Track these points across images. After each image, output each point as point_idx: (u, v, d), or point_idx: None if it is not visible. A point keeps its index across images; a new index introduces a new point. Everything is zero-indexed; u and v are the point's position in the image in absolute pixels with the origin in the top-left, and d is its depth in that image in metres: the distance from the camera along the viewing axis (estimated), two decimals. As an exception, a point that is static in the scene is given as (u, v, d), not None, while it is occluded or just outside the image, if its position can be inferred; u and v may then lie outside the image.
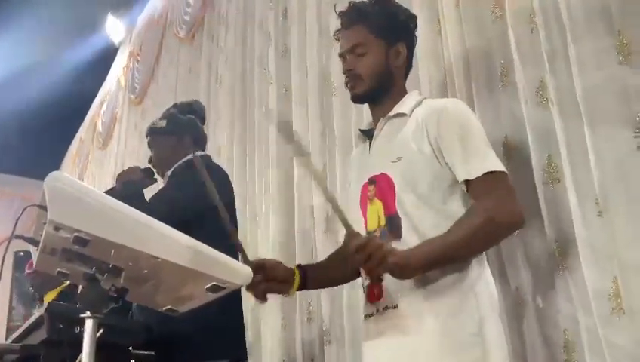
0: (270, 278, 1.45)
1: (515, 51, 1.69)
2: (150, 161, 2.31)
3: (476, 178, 1.31)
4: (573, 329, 1.46)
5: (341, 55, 1.55)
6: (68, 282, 3.27)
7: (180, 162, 2.20)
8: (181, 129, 2.26)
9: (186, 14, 4.68)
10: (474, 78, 1.82)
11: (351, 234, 1.23)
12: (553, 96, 1.56)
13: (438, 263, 1.29)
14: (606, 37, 1.43)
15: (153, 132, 2.31)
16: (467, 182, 1.33)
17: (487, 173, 1.31)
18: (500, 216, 1.29)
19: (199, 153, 2.25)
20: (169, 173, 2.22)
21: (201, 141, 2.34)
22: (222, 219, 1.36)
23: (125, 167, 5.67)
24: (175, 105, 2.39)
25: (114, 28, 6.65)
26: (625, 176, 1.36)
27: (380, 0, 1.58)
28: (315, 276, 1.56)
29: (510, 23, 1.72)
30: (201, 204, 2.00)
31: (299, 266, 1.55)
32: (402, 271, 1.24)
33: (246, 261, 1.40)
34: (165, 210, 1.87)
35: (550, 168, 1.56)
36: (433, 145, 1.36)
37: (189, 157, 2.18)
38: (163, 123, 2.27)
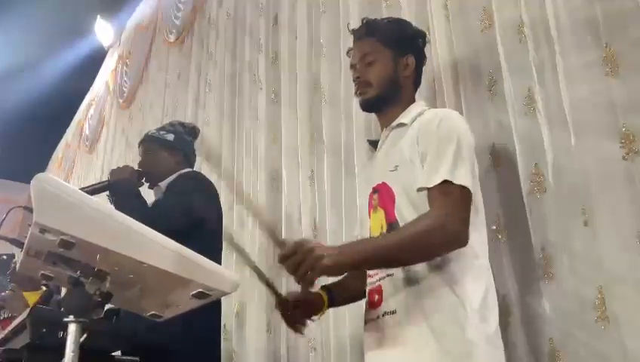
0: (303, 307, 1.51)
1: (504, 61, 1.71)
2: (140, 166, 2.33)
3: (434, 186, 1.31)
4: (558, 337, 1.46)
5: (352, 66, 1.59)
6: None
7: (176, 175, 2.28)
8: (184, 148, 2.38)
9: (176, 19, 4.67)
10: (462, 87, 1.84)
11: (277, 243, 1.26)
12: (541, 106, 1.58)
13: (371, 263, 1.34)
14: (593, 49, 1.45)
15: (157, 141, 2.36)
16: (428, 191, 1.32)
17: (446, 182, 1.29)
18: (441, 230, 1.26)
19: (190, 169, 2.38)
20: (164, 184, 2.27)
21: (193, 163, 2.45)
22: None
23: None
24: (182, 125, 2.47)
25: (103, 31, 6.61)
26: (610, 186, 1.37)
27: (393, 17, 1.68)
28: (340, 294, 1.59)
29: (499, 34, 1.74)
30: (202, 214, 2.10)
31: (323, 287, 1.57)
32: (334, 271, 1.27)
33: (280, 297, 1.47)
34: (174, 215, 2.00)
35: (537, 177, 1.57)
36: (420, 154, 1.38)
37: (185, 170, 2.31)
38: (170, 137, 2.36)
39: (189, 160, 2.40)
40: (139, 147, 2.41)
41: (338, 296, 1.58)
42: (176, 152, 2.34)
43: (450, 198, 1.29)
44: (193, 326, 1.79)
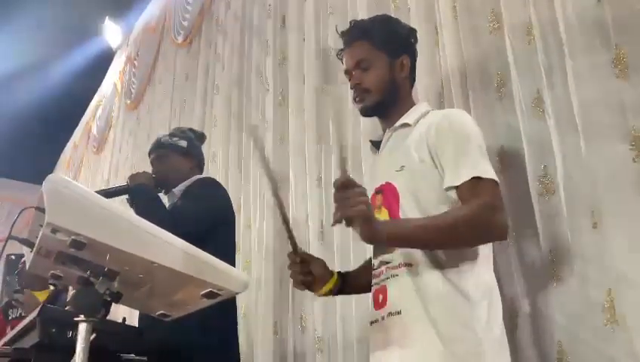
0: (308, 272, 1.52)
1: (512, 63, 1.70)
2: (155, 172, 2.34)
3: (463, 183, 1.30)
4: (567, 340, 1.46)
5: (346, 72, 1.58)
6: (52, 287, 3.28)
7: (191, 180, 2.30)
8: (195, 154, 2.42)
9: (184, 20, 4.68)
10: (471, 88, 1.83)
11: (343, 172, 1.21)
12: (550, 108, 1.58)
13: (410, 244, 1.32)
14: (603, 51, 1.45)
15: (170, 148, 2.37)
16: (456, 189, 1.33)
17: (475, 178, 1.29)
18: (486, 218, 1.27)
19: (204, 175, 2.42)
20: (178, 190, 2.28)
21: (203, 169, 2.47)
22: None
23: (119, 173, 5.62)
24: (192, 131, 2.50)
25: (111, 32, 6.64)
26: (620, 188, 1.37)
27: (380, 17, 1.63)
28: (354, 283, 1.61)
29: (507, 35, 1.73)
30: (217, 219, 2.15)
31: (339, 273, 1.59)
32: (368, 236, 1.24)
33: (294, 248, 1.50)
34: (192, 220, 2.03)
35: (545, 179, 1.57)
36: (432, 153, 1.37)
37: (200, 176, 2.36)
38: (184, 143, 2.38)
39: (200, 166, 2.43)
40: (150, 153, 2.41)
41: (351, 281, 1.59)
42: (189, 158, 2.37)
43: (485, 192, 1.29)
44: (211, 328, 1.80)
